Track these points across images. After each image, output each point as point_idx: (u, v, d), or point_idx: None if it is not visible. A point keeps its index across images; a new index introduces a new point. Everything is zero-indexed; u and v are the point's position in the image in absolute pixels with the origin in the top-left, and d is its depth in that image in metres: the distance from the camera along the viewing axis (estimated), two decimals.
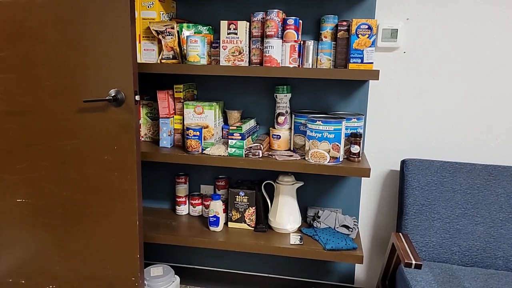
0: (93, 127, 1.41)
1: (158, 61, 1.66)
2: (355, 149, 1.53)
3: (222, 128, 1.74)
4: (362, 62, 1.47)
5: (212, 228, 1.69)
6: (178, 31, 1.61)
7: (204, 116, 1.63)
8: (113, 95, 1.34)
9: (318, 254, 1.55)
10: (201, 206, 1.87)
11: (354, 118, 1.58)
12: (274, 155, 1.57)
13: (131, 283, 1.49)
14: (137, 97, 1.37)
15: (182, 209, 1.88)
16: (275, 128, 1.68)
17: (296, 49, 1.53)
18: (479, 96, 1.65)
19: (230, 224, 1.73)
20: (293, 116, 1.63)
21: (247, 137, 1.59)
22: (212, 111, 1.62)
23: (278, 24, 1.49)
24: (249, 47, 1.58)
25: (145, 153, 1.59)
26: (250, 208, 1.70)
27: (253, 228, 1.72)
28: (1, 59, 1.43)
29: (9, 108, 1.45)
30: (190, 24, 1.65)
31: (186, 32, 1.63)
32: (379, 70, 1.41)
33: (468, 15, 1.60)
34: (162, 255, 2.06)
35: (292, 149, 1.67)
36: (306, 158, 1.53)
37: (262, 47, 1.56)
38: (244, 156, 1.55)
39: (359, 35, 1.45)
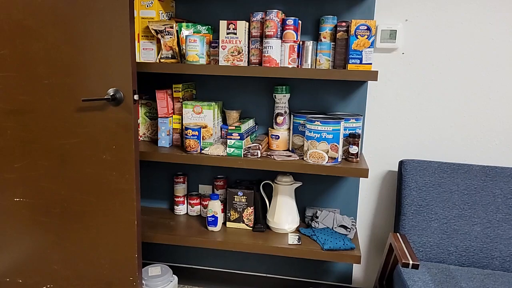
0: (91, 126, 1.41)
1: (157, 61, 1.65)
2: (353, 149, 1.53)
3: (221, 128, 1.74)
4: (361, 63, 1.47)
5: (210, 228, 1.69)
6: (177, 31, 1.61)
7: (203, 116, 1.63)
8: (111, 94, 1.34)
9: (316, 254, 1.55)
10: (199, 206, 1.87)
11: (352, 118, 1.58)
12: (272, 155, 1.57)
13: (129, 283, 1.49)
14: (136, 97, 1.37)
15: (181, 209, 1.87)
16: (273, 128, 1.68)
17: (295, 49, 1.54)
18: (477, 97, 1.66)
19: (229, 224, 1.73)
20: (292, 116, 1.63)
21: (246, 137, 1.59)
22: (211, 111, 1.62)
23: (277, 24, 1.49)
24: (248, 47, 1.58)
25: (144, 153, 1.59)
26: (249, 208, 1.70)
27: (251, 228, 1.72)
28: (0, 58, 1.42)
29: (8, 106, 1.45)
30: (189, 24, 1.65)
31: (185, 32, 1.63)
32: (377, 71, 1.41)
33: (467, 17, 1.60)
34: (160, 254, 2.06)
35: (290, 149, 1.67)
36: (305, 158, 1.53)
37: (261, 47, 1.56)
38: (242, 156, 1.55)
39: (358, 36, 1.46)
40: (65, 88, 1.40)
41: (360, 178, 1.80)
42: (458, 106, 1.68)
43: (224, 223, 1.76)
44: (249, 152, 1.55)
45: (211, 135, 1.64)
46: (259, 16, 1.54)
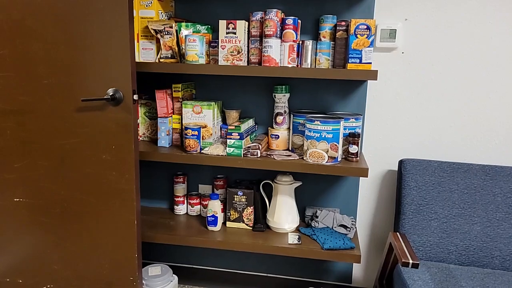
0: (91, 126, 1.40)
1: (157, 60, 1.65)
2: (353, 149, 1.53)
3: (221, 128, 1.74)
4: (360, 62, 1.47)
5: (210, 228, 1.69)
6: (176, 30, 1.61)
7: (203, 116, 1.63)
8: (111, 94, 1.34)
9: (316, 253, 1.56)
10: (199, 206, 1.87)
11: (352, 118, 1.58)
12: (272, 154, 1.57)
13: (129, 283, 1.49)
14: (135, 97, 1.37)
15: (180, 209, 1.88)
16: (273, 128, 1.68)
17: (295, 49, 1.54)
18: (477, 96, 1.66)
19: (228, 224, 1.73)
20: (292, 116, 1.63)
21: (246, 137, 1.59)
22: (210, 111, 1.62)
23: (277, 23, 1.49)
24: (248, 46, 1.58)
25: (143, 153, 1.59)
26: (248, 207, 1.70)
27: (251, 228, 1.72)
28: None
29: (7, 106, 1.45)
30: (189, 23, 1.65)
31: (184, 31, 1.63)
32: (377, 70, 1.41)
33: (466, 16, 1.60)
34: (160, 254, 2.06)
35: (290, 149, 1.67)
36: (305, 158, 1.53)
37: (260, 46, 1.56)
38: (242, 155, 1.55)
39: (358, 35, 1.46)
40: (65, 88, 1.40)
41: (360, 178, 1.80)
42: (458, 105, 1.68)
43: (224, 223, 1.76)
44: (249, 151, 1.55)
45: (211, 135, 1.64)
46: (258, 15, 1.54)
